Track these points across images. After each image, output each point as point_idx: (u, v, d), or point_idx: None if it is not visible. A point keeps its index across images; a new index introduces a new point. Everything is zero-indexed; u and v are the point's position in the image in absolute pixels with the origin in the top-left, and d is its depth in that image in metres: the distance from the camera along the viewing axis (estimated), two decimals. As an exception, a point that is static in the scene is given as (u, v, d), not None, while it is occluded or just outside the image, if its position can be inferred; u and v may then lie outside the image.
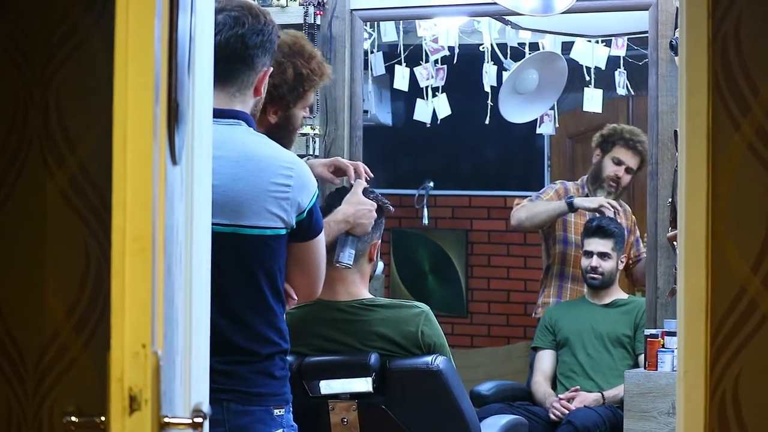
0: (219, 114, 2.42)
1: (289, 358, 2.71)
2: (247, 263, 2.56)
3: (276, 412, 2.58)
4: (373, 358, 3.22)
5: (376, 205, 3.18)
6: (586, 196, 5.38)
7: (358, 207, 3.13)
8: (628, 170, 5.38)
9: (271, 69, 2.68)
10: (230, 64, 2.55)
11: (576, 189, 5.43)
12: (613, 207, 5.18)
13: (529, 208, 5.31)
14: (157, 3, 1.60)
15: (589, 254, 5.11)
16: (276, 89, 2.84)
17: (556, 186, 5.49)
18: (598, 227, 5.12)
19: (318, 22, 5.00)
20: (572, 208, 5.24)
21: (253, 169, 2.56)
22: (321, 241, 2.68)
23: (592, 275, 5.10)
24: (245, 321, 2.56)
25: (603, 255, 5.09)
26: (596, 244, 5.09)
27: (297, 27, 4.98)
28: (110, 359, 1.54)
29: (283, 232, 2.58)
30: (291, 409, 2.64)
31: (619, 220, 5.25)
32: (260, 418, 2.56)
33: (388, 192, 5.03)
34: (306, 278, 2.68)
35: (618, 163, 5.37)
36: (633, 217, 5.45)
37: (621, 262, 5.15)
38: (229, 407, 2.53)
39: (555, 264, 5.40)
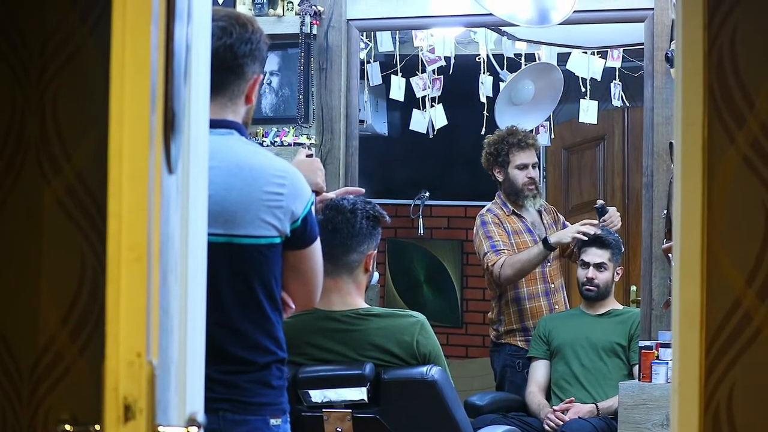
0: (211, 124, 2.41)
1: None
2: (243, 273, 2.55)
3: (273, 421, 2.57)
4: (368, 367, 3.22)
5: (318, 160, 3.12)
6: (513, 212, 5.28)
7: (299, 165, 2.90)
8: (533, 166, 5.32)
9: (261, 76, 2.68)
10: (220, 74, 2.54)
11: (499, 209, 5.31)
12: (591, 225, 5.07)
13: (512, 264, 5.10)
14: (154, 11, 1.61)
15: (585, 265, 5.06)
16: None
17: (488, 220, 5.25)
18: (596, 237, 5.05)
19: (314, 32, 5.01)
20: (551, 248, 5.10)
21: (246, 179, 2.56)
22: (317, 248, 2.66)
23: (587, 287, 5.05)
24: (242, 330, 2.55)
25: (599, 266, 5.04)
26: (593, 255, 5.03)
27: (293, 36, 5.00)
28: (105, 368, 1.54)
29: (278, 240, 2.57)
30: (288, 419, 2.63)
31: (550, 219, 5.32)
32: (257, 428, 2.54)
33: (384, 202, 5.03)
34: (303, 286, 2.67)
35: (524, 167, 5.28)
36: (552, 207, 5.55)
37: (617, 273, 5.11)
38: (225, 416, 2.52)
39: (508, 290, 5.24)
